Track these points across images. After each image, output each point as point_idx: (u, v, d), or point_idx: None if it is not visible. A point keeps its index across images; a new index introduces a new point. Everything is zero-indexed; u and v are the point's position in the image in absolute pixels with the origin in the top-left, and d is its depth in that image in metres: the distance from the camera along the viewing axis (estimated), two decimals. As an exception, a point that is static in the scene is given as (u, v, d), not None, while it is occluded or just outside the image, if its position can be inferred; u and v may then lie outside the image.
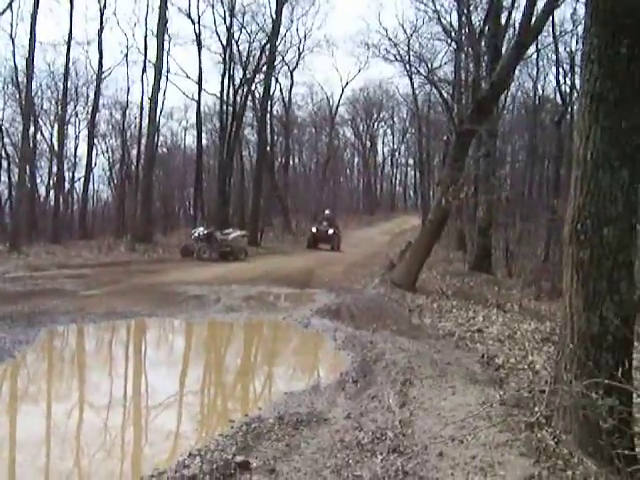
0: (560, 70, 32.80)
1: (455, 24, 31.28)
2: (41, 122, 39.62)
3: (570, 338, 5.00)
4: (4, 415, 6.36)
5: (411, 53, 35.80)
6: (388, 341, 9.51)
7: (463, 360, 8.37)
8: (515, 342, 9.71)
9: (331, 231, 33.44)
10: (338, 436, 5.35)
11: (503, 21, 23.46)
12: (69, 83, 36.61)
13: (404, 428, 5.46)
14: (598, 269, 4.84)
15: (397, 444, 5.08)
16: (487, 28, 24.25)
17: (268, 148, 42.70)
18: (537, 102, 36.14)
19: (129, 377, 8.32)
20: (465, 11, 28.51)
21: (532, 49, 26.38)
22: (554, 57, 32.35)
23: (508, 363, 8.15)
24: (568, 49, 32.97)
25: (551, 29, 27.80)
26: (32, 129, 34.38)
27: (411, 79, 40.56)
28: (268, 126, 43.09)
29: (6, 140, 37.99)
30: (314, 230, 34.09)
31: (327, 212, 36.15)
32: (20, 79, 34.02)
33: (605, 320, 4.80)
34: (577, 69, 31.36)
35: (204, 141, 44.41)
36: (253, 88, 39.56)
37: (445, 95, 34.00)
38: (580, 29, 28.82)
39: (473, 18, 28.72)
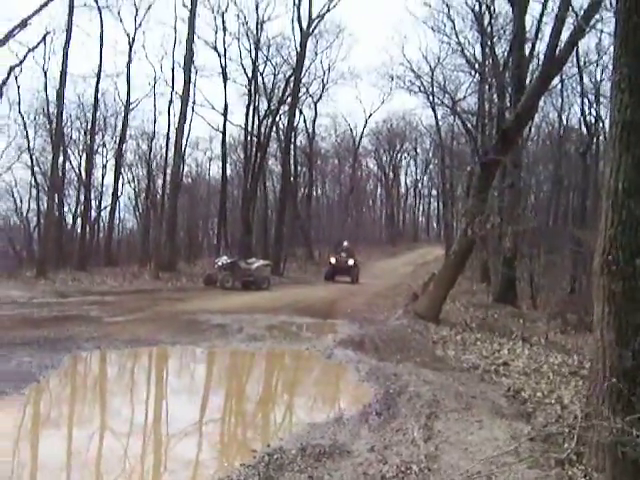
0: (585, 100, 32.75)
1: (479, 56, 31.36)
2: (70, 152, 40.09)
3: (602, 373, 4.88)
4: (26, 439, 6.36)
5: (435, 85, 35.94)
6: (412, 373, 9.39)
7: (489, 393, 8.23)
8: (542, 376, 9.54)
9: (351, 262, 31.99)
10: (362, 469, 5.24)
11: (527, 52, 23.47)
12: (98, 114, 37.11)
13: (430, 462, 5.34)
14: (631, 301, 4.73)
15: (423, 479, 4.97)
16: (511, 59, 24.28)
17: (292, 179, 42.86)
18: (562, 132, 36.02)
19: (150, 404, 8.28)
20: (489, 43, 28.60)
21: (556, 80, 26.28)
22: (579, 87, 32.29)
23: (535, 397, 8.00)
24: (593, 79, 32.90)
25: (575, 59, 27.77)
26: (61, 158, 34.78)
27: (434, 110, 40.70)
28: (292, 157, 43.32)
29: (36, 169, 38.54)
30: (333, 262, 32.55)
31: (345, 243, 34.26)
32: (51, 110, 34.59)
33: (638, 355, 4.68)
34: (602, 99, 31.40)
35: (228, 171, 44.73)
36: (277, 119, 39.90)
37: (469, 126, 34.01)
38: (605, 59, 28.88)
39: (497, 49, 28.84)
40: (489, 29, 28.97)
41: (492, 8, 29.02)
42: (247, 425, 7.46)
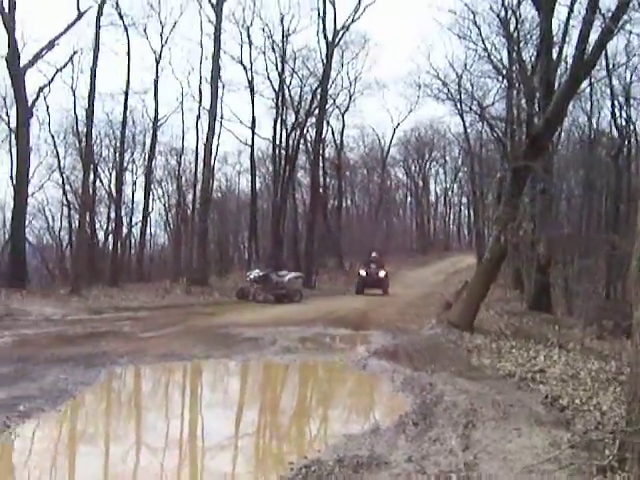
0: (615, 103, 32.29)
1: (506, 61, 31.15)
2: (100, 169, 40.43)
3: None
4: (63, 455, 6.40)
5: (462, 92, 35.81)
6: (447, 382, 9.30)
7: (526, 401, 8.13)
8: (579, 382, 9.42)
9: (382, 273, 30.74)
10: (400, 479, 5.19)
11: (555, 56, 23.26)
12: (127, 131, 37.42)
13: (469, 472, 5.27)
14: (670, 305, 4.65)
15: (462, 489, 4.91)
16: (539, 64, 24.11)
17: (321, 190, 42.88)
18: (592, 136, 35.60)
19: (185, 419, 8.27)
20: (516, 48, 28.40)
21: (585, 83, 25.92)
22: (608, 90, 31.86)
23: (573, 404, 7.87)
24: (622, 82, 32.42)
25: (604, 62, 27.39)
26: (91, 176, 35.12)
27: (462, 117, 40.48)
28: (320, 169, 43.32)
29: (67, 187, 38.94)
30: (363, 274, 31.03)
31: (374, 254, 32.59)
32: (80, 129, 34.91)
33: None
34: (633, 101, 31.01)
35: (258, 185, 44.91)
36: (305, 132, 40.02)
37: (497, 132, 33.80)
38: (635, 60, 28.58)
39: (524, 54, 28.62)
40: (515, 34, 28.78)
41: (518, 13, 28.84)
42: (283, 437, 7.43)
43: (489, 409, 7.53)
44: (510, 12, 29.02)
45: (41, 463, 5.98)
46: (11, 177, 33.08)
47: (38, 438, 6.71)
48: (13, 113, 31.20)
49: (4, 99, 35.09)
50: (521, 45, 28.58)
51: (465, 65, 35.84)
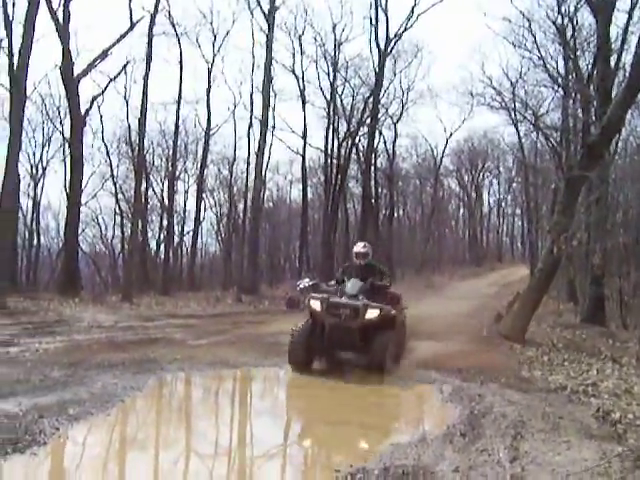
0: (675, 113, 31.52)
1: (562, 69, 30.78)
2: (152, 178, 41.10)
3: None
4: (111, 459, 6.44)
5: (516, 100, 35.41)
6: (497, 394, 9.21)
7: (577, 414, 7.99)
8: (633, 397, 9.22)
9: (390, 311, 11.25)
10: (445, 490, 5.14)
11: (612, 64, 22.87)
12: (179, 140, 37.99)
13: (516, 483, 5.20)
14: None
15: (508, 500, 4.84)
16: (595, 72, 23.73)
17: (372, 200, 42.77)
18: (651, 146, 34.80)
19: (234, 426, 8.30)
20: (572, 56, 28.00)
21: (644, 92, 25.45)
22: (667, 99, 31.16)
23: (626, 418, 7.70)
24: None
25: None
26: (144, 185, 35.66)
27: (517, 127, 40.01)
28: (372, 179, 43.20)
29: (120, 196, 39.69)
30: (316, 307, 11.56)
31: (361, 248, 12.54)
32: (133, 138, 35.56)
33: None
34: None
35: (309, 194, 44.98)
36: (357, 141, 39.97)
37: (552, 142, 33.33)
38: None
39: (580, 62, 28.19)
40: (572, 42, 28.37)
41: (575, 20, 28.43)
42: (330, 446, 7.39)
43: (538, 421, 7.42)
44: (567, 19, 28.62)
45: (89, 466, 6.06)
46: (65, 186, 33.96)
47: (87, 441, 6.80)
48: (67, 122, 32.06)
49: (58, 109, 36.22)
50: (578, 53, 28.16)
51: (520, 73, 35.51)
